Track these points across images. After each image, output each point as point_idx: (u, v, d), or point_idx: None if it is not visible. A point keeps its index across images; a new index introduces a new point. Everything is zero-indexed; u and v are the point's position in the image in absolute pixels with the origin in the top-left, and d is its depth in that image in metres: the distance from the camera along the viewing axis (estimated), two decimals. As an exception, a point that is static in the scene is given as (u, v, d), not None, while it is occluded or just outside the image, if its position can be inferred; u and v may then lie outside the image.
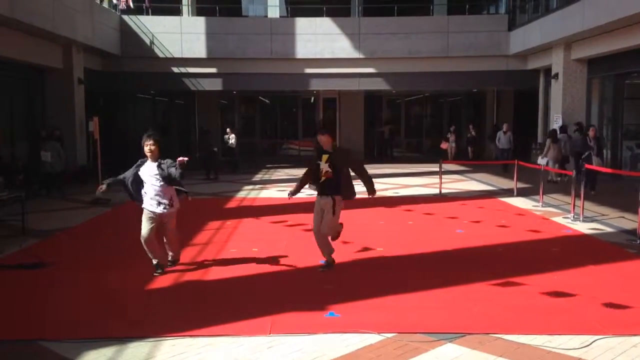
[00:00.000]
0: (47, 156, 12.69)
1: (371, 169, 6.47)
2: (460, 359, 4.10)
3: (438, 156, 16.76)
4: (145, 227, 6.12)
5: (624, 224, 9.01)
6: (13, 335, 4.58)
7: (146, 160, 6.19)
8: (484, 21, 20.37)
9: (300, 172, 17.26)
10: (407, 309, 5.11)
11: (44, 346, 4.34)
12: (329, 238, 6.45)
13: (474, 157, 20.41)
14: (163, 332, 4.55)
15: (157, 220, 6.16)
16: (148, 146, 6.07)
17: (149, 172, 6.12)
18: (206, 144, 17.54)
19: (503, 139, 17.40)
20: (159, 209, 6.12)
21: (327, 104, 23.24)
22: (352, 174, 6.33)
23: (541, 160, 13.88)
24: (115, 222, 9.83)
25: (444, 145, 20.57)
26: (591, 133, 12.49)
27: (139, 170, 6.18)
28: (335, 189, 6.20)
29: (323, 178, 6.19)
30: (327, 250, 6.41)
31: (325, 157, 6.18)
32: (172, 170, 6.00)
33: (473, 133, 21.03)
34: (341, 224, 6.51)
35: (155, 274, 6.20)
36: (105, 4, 18.78)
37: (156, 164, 6.10)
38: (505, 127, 17.68)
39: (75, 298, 5.52)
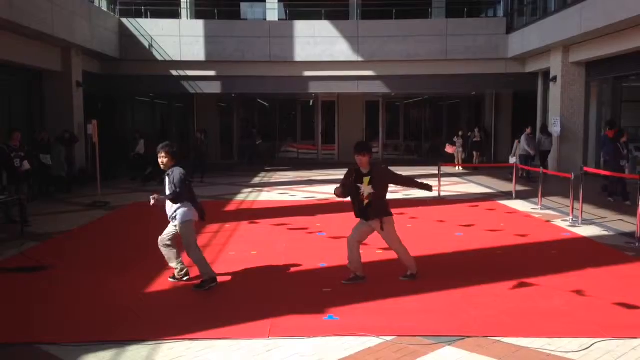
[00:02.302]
0: (47, 159, 12.71)
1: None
2: (460, 362, 4.11)
3: (438, 159, 16.67)
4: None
5: (622, 227, 9.02)
6: (12, 339, 4.57)
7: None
8: (482, 24, 20.38)
9: (298, 174, 17.36)
10: (406, 312, 5.12)
11: (43, 349, 4.34)
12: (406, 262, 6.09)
13: (480, 162, 19.59)
14: (162, 335, 4.55)
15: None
16: (160, 158, 5.91)
17: (165, 183, 5.96)
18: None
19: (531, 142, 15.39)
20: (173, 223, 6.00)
21: (326, 106, 23.24)
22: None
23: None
24: (115, 225, 9.82)
25: (449, 149, 19.85)
26: (624, 138, 11.33)
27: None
28: (383, 211, 5.82)
29: (366, 201, 5.78)
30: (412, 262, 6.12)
31: (366, 179, 5.75)
32: (176, 181, 5.75)
33: (479, 137, 19.59)
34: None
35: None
36: (104, 7, 18.81)
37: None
38: (529, 130, 15.59)
39: (74, 301, 5.52)
